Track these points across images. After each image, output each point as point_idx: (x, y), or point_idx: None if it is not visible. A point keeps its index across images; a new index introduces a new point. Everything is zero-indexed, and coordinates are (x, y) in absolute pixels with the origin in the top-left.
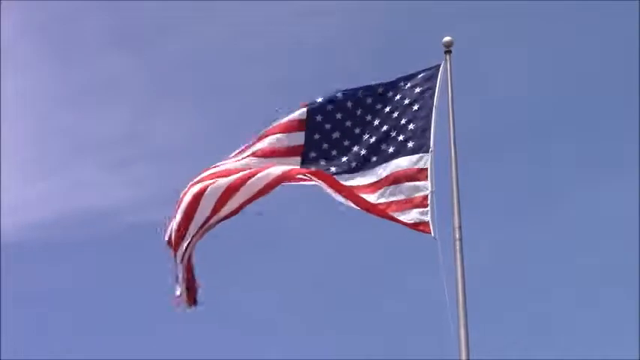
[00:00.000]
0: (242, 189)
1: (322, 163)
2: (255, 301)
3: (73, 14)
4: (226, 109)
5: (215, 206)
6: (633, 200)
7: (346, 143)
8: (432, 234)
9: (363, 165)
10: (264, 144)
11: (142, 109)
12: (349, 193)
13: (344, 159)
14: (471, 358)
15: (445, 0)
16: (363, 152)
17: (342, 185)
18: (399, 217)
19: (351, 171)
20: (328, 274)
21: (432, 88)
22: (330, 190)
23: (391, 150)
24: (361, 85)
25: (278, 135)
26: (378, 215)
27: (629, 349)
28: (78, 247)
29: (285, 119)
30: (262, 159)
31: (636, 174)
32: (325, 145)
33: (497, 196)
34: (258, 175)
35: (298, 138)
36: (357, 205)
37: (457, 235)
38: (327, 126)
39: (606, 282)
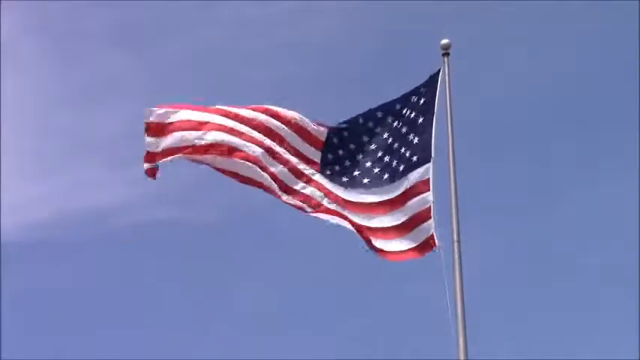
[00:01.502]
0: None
1: (337, 168)
2: (256, 301)
3: (73, 14)
4: None
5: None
6: (633, 200)
7: (359, 157)
8: (437, 246)
9: (374, 182)
10: (285, 136)
11: (142, 108)
12: (359, 229)
13: (356, 173)
14: (470, 358)
15: (445, 0)
16: (376, 170)
17: (355, 224)
18: (406, 248)
19: (363, 186)
20: (328, 275)
21: (433, 98)
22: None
23: (401, 167)
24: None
25: (299, 138)
26: (386, 258)
27: (629, 349)
28: (78, 246)
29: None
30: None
31: (636, 174)
32: (341, 152)
33: (497, 196)
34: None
35: (320, 135)
36: (368, 245)
37: (455, 238)
38: (345, 133)
39: (606, 282)
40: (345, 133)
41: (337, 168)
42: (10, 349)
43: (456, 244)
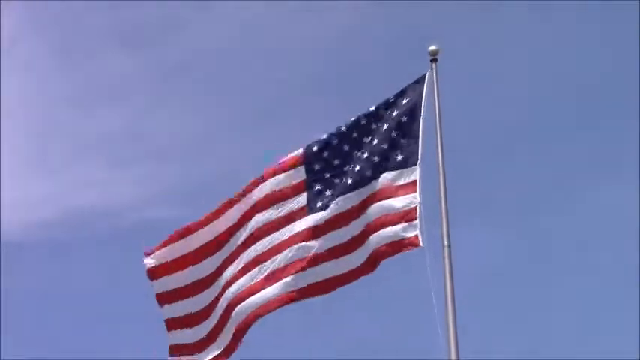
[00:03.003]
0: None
1: (327, 194)
2: None
3: (74, 14)
4: (227, 109)
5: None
6: (633, 200)
7: (346, 168)
8: (421, 244)
9: (359, 181)
10: (263, 192)
11: (143, 108)
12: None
13: (344, 181)
14: (468, 358)
15: (446, 0)
16: (357, 168)
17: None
18: (382, 244)
19: (348, 190)
20: None
21: (419, 102)
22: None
23: (382, 163)
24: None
25: (278, 176)
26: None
27: (629, 349)
28: (80, 246)
29: (282, 160)
30: (265, 212)
31: (636, 174)
32: (327, 175)
33: (497, 196)
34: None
35: (299, 174)
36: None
37: (446, 242)
38: (326, 154)
39: (606, 282)
40: (326, 154)
41: (328, 193)
42: (10, 349)
43: (446, 249)
